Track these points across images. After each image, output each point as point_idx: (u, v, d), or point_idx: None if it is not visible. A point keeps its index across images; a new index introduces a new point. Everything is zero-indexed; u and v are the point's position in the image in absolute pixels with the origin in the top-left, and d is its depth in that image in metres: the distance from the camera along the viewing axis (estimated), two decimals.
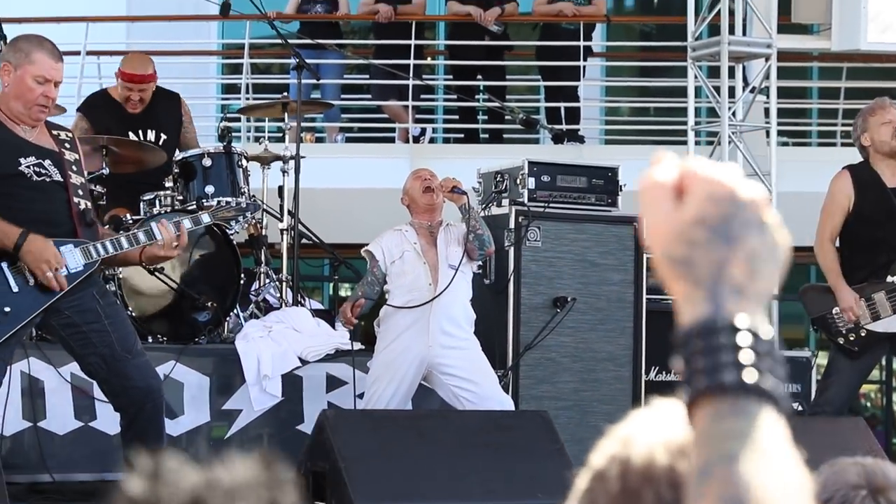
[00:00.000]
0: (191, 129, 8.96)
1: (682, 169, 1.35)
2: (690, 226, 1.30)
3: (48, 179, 6.08)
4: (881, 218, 7.70)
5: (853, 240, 7.75)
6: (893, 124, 7.73)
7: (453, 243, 7.23)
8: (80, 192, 6.18)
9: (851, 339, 7.69)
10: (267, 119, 10.78)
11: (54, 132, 6.24)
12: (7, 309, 5.97)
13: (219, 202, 7.44)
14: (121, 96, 8.74)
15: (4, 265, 5.99)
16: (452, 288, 7.11)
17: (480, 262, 7.52)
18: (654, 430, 1.32)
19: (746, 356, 1.28)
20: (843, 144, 12.80)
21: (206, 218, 6.74)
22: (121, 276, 7.68)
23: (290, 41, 9.81)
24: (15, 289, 5.98)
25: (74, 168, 6.18)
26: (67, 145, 6.23)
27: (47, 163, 6.09)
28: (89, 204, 6.27)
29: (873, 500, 2.27)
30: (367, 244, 7.47)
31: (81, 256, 6.07)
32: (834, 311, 7.73)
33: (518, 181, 8.03)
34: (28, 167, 6.05)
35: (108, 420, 7.24)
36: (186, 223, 6.35)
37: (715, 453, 1.23)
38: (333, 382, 7.71)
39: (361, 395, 7.39)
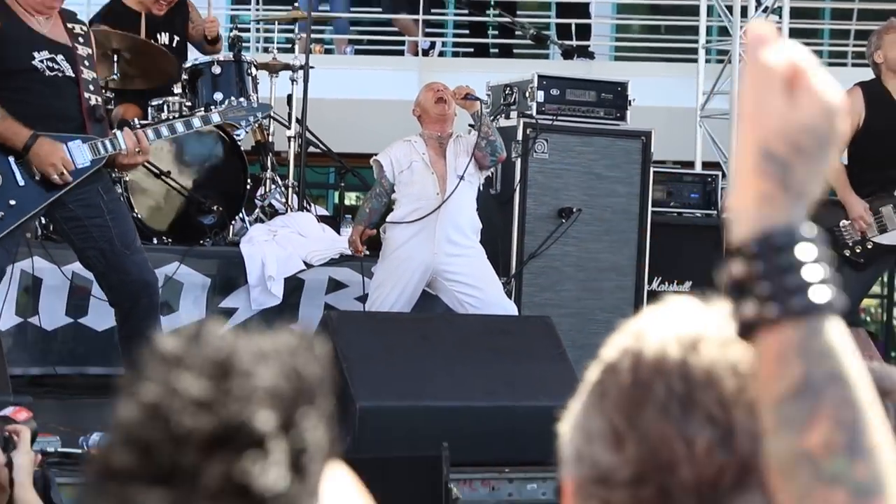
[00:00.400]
0: (198, 21, 8.86)
1: (797, 62, 1.31)
2: (801, 131, 1.27)
3: (60, 75, 6.10)
4: (890, 134, 7.74)
5: (862, 155, 7.77)
6: None
7: (462, 154, 7.23)
8: (91, 88, 6.20)
9: (857, 251, 7.75)
10: (276, 30, 10.77)
11: (69, 25, 6.25)
12: (12, 202, 6.01)
13: (229, 100, 7.40)
14: (141, 2, 8.62)
15: (11, 159, 6.03)
16: (459, 197, 7.13)
17: (489, 172, 7.51)
18: (667, 325, 1.34)
19: (818, 272, 1.28)
20: (853, 65, 12.74)
21: (215, 117, 6.77)
22: (128, 178, 7.70)
23: None
24: (21, 182, 6.02)
25: (87, 63, 6.19)
26: (81, 39, 6.24)
27: (60, 57, 6.11)
28: (100, 100, 6.30)
29: (881, 404, 2.30)
30: (373, 154, 7.48)
31: (89, 152, 6.10)
32: (841, 224, 7.78)
33: (527, 94, 8.04)
34: (41, 62, 6.07)
35: (96, 317, 7.28)
36: (164, 130, 6.48)
37: (817, 372, 1.23)
38: (334, 285, 7.74)
39: (362, 298, 7.44)
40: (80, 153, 6.08)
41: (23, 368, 7.24)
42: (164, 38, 8.66)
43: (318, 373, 1.26)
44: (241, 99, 7.62)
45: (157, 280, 6.29)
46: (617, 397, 1.32)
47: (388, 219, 7.29)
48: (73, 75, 6.11)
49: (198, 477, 1.15)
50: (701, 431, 1.27)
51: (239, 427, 1.16)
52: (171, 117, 7.90)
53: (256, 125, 8.60)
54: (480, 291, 7.04)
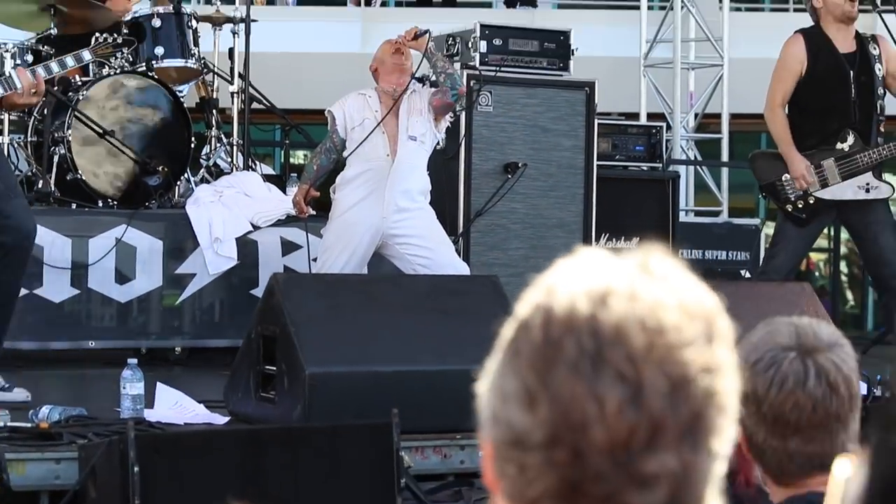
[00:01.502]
0: None
1: None
2: None
3: None
4: (833, 84, 7.69)
5: (805, 106, 7.73)
6: None
7: (415, 113, 7.12)
8: None
9: (800, 206, 7.73)
10: None
11: None
12: None
13: (96, 39, 7.26)
14: None
15: None
16: (409, 159, 7.04)
17: (451, 118, 7.35)
18: (578, 278, 1.32)
19: None
20: (795, 10, 12.78)
21: (86, 55, 6.70)
22: (69, 137, 7.62)
23: None
24: None
25: None
26: None
27: None
28: None
29: (802, 362, 2.30)
30: (318, 110, 7.42)
31: None
32: (784, 178, 7.76)
33: (469, 45, 7.99)
34: None
35: (53, 288, 7.23)
36: (54, 66, 6.34)
37: None
38: (288, 247, 7.71)
39: (315, 260, 7.40)
40: None
41: None
42: None
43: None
44: (115, 34, 7.44)
45: (35, 231, 6.03)
46: (529, 355, 1.30)
47: (337, 179, 7.22)
48: None
49: None
50: (611, 390, 1.26)
51: None
52: (111, 73, 7.84)
53: (200, 81, 8.53)
54: (432, 252, 7.01)
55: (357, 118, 7.11)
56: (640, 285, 1.29)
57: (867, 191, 7.72)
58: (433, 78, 7.23)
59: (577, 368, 1.27)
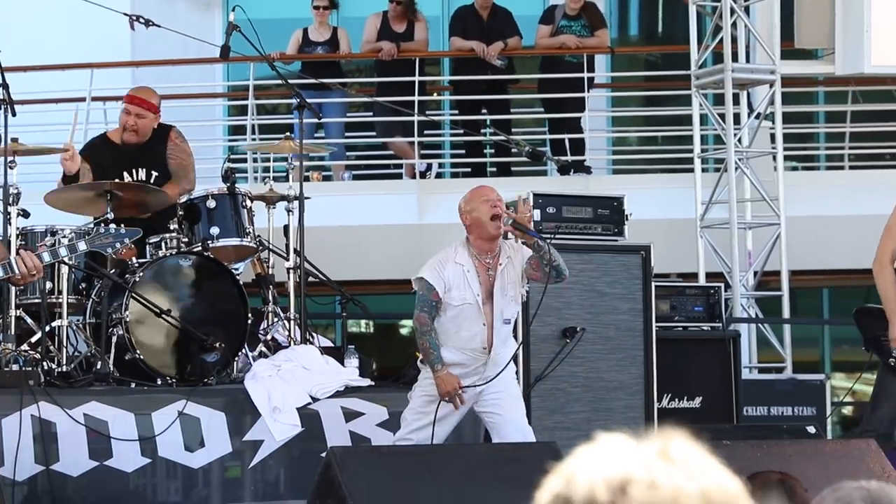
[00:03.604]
0: (176, 155, 8.82)
1: None
2: None
3: None
4: None
5: None
6: None
7: (510, 289, 6.85)
8: None
9: None
10: (272, 159, 10.81)
11: None
12: None
13: (97, 228, 7.55)
14: (119, 130, 8.73)
15: None
16: (503, 345, 6.89)
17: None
18: (597, 466, 1.29)
19: None
20: (851, 167, 12.77)
21: (82, 245, 7.18)
22: (127, 318, 7.67)
23: (291, 81, 9.83)
24: None
25: None
26: None
27: None
28: None
29: None
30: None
31: None
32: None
33: None
34: None
35: (123, 459, 7.25)
36: (62, 251, 7.10)
37: None
38: (350, 415, 7.67)
39: (384, 424, 7.36)
40: None
41: None
42: (142, 173, 8.67)
43: None
44: (111, 226, 7.61)
45: None
46: None
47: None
48: None
49: None
50: None
51: None
52: (168, 254, 7.94)
53: (256, 258, 8.60)
54: (504, 410, 6.88)
55: (456, 297, 6.81)
56: (660, 472, 1.26)
57: None
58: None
59: None
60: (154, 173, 8.69)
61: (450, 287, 6.80)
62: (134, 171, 8.67)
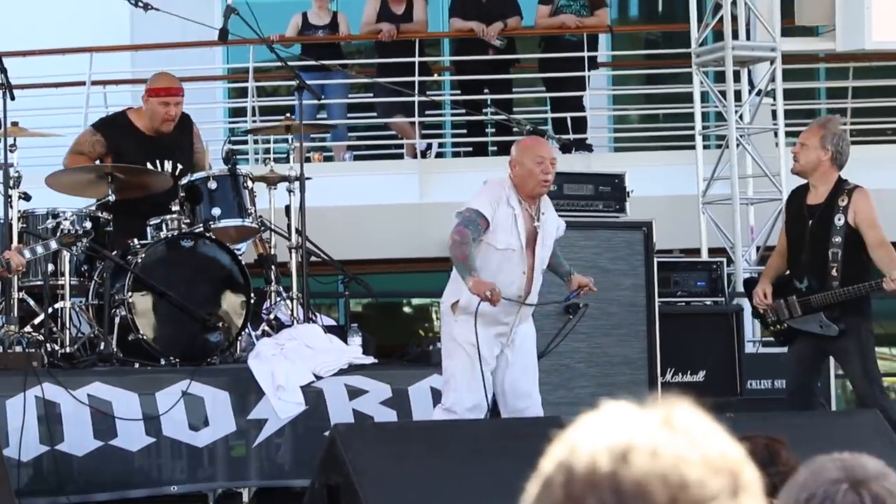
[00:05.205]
0: (200, 150, 8.91)
1: None
2: None
3: None
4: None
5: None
6: None
7: (548, 238, 6.92)
8: None
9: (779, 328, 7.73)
10: (272, 140, 10.80)
11: None
12: None
13: (64, 229, 7.74)
14: (152, 117, 8.59)
15: None
16: (538, 290, 6.96)
17: None
18: (599, 434, 1.29)
19: None
20: (852, 143, 12.73)
21: (53, 244, 7.37)
22: (129, 299, 7.68)
23: (291, 63, 9.81)
24: None
25: None
26: None
27: None
28: None
29: (855, 492, 2.25)
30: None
31: None
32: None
33: None
34: None
35: (128, 438, 7.27)
36: (39, 249, 7.27)
37: None
38: (354, 393, 7.68)
39: (387, 402, 7.38)
40: None
41: (50, 498, 7.20)
42: (168, 165, 8.64)
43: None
44: (78, 227, 7.74)
45: None
46: None
47: (461, 305, 6.83)
48: None
49: None
50: None
51: None
52: (169, 235, 7.95)
53: (258, 239, 8.60)
54: (518, 373, 6.92)
55: (502, 239, 6.77)
56: (662, 440, 1.26)
57: None
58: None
59: None
60: (180, 166, 8.67)
61: (496, 228, 6.77)
62: (161, 162, 8.62)
